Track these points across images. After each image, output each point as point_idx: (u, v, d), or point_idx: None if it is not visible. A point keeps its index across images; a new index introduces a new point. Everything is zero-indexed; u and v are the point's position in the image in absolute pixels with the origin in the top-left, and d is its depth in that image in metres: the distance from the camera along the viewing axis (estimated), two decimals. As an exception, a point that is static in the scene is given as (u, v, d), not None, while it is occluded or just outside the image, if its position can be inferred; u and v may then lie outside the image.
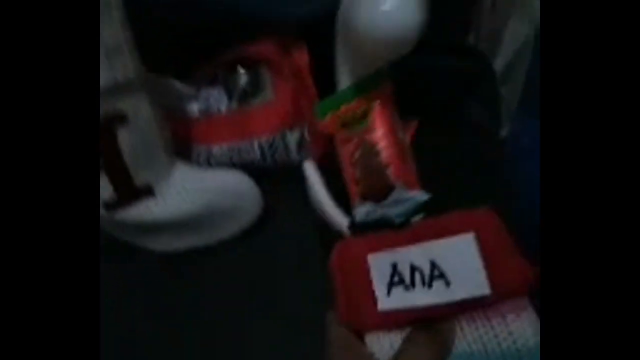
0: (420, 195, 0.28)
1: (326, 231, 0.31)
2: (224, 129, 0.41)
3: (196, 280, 0.39)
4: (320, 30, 0.38)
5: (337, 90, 0.32)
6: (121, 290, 0.38)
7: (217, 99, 0.42)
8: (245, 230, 0.39)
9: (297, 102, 0.43)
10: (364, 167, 0.30)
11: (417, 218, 0.27)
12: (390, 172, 0.29)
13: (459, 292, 0.24)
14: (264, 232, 0.40)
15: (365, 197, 0.29)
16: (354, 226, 0.29)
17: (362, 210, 0.29)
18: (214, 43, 0.41)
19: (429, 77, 0.37)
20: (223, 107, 0.42)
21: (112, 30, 0.29)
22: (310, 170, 0.32)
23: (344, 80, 0.32)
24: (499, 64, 0.56)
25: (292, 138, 0.42)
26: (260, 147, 0.41)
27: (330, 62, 0.39)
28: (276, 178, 0.41)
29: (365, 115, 0.30)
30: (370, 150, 0.30)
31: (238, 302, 0.37)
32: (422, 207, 0.28)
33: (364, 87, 0.30)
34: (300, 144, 0.43)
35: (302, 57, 0.41)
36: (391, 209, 0.28)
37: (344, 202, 0.30)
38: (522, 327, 0.24)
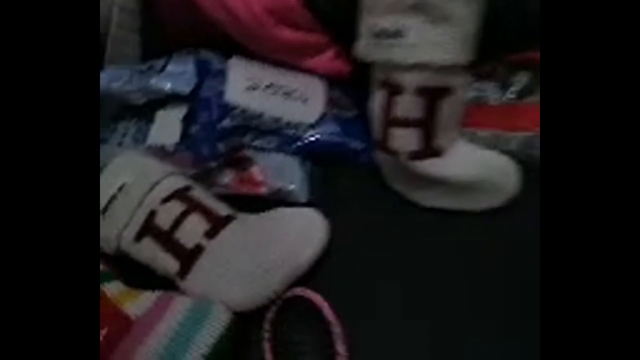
0: None
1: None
2: (491, 117, 0.48)
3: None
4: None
5: None
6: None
7: (491, 92, 0.49)
8: (494, 208, 0.44)
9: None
10: None
11: None
12: None
13: None
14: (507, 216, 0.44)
15: None
16: None
17: None
18: (500, 45, 0.48)
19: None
20: (494, 99, 0.49)
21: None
22: None
23: None
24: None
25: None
26: (519, 141, 0.47)
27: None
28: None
29: None
30: None
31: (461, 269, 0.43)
32: None
33: None
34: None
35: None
36: None
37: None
38: None
